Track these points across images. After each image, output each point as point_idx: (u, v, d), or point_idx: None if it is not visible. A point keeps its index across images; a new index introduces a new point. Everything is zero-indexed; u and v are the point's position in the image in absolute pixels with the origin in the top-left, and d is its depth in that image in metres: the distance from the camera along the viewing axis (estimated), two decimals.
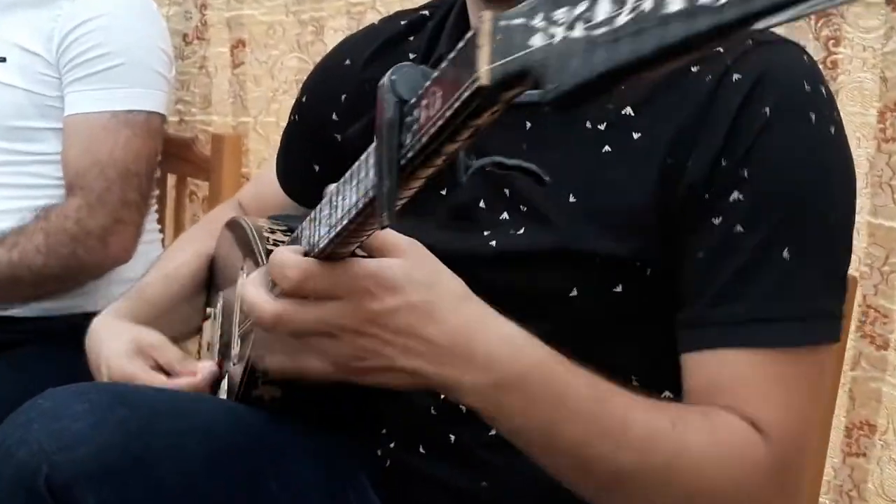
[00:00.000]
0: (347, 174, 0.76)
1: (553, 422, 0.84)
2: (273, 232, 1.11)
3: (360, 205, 0.73)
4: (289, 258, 0.81)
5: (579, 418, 0.84)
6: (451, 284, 0.82)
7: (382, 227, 0.67)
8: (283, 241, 1.05)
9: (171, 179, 2.13)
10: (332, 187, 0.80)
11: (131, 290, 1.29)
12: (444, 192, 1.04)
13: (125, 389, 1.03)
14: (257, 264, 1.04)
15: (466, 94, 0.56)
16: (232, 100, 2.21)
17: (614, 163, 0.97)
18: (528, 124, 0.97)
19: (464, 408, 0.89)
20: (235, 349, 1.10)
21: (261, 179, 1.43)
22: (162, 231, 2.07)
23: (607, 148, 0.97)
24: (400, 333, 0.81)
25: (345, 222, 0.75)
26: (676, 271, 0.95)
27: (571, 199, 0.98)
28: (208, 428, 1.00)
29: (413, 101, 0.64)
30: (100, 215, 1.79)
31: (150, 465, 0.94)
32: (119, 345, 1.17)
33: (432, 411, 1.06)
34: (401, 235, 0.81)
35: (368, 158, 0.72)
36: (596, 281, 0.94)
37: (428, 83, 0.63)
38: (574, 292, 0.97)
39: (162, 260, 1.34)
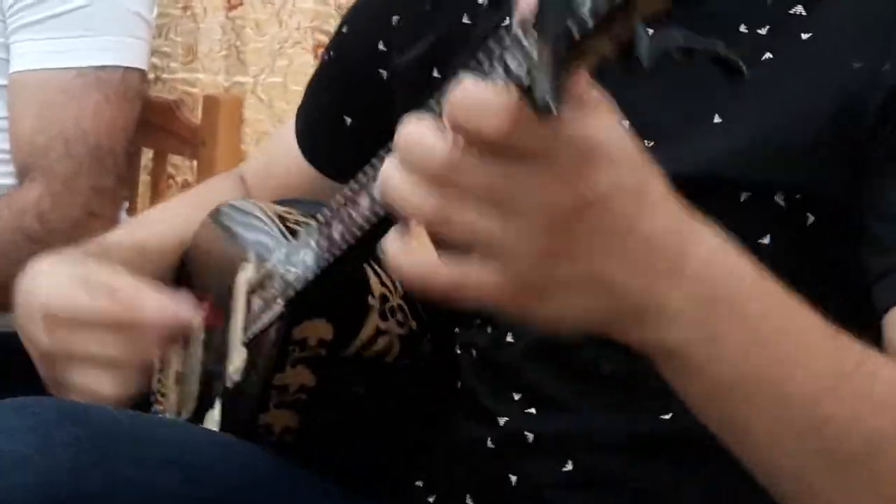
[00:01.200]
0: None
1: (786, 366, 0.79)
2: (290, 213, 1.07)
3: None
4: (492, 96, 0.69)
5: (820, 363, 0.79)
6: (655, 166, 0.75)
7: (546, 119, 0.63)
8: (306, 224, 1.01)
9: (146, 156, 2.01)
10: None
11: (88, 245, 1.23)
12: None
13: (78, 405, 1.00)
14: (271, 250, 1.02)
15: None
16: (225, 52, 2.18)
17: (776, 73, 0.96)
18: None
19: (530, 435, 0.95)
20: (235, 363, 1.05)
21: (272, 148, 1.42)
22: None
23: (768, 55, 0.96)
24: (608, 227, 0.72)
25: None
26: (853, 214, 0.93)
27: (716, 119, 0.96)
28: (189, 462, 0.99)
29: None
30: (68, 208, 1.70)
31: (109, 502, 0.93)
32: (62, 276, 1.11)
33: (489, 444, 1.02)
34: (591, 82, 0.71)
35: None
36: (736, 227, 0.86)
37: None
38: (767, 239, 0.95)
39: (131, 224, 1.34)
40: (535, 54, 0.64)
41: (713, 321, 0.76)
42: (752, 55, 0.96)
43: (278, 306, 0.97)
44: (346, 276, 0.98)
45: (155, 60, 2.15)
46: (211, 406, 1.10)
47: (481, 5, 1.06)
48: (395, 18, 1.16)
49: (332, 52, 1.25)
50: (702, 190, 0.89)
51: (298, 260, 0.96)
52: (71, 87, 1.70)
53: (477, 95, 0.70)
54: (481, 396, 1.03)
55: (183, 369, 1.18)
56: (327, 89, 1.26)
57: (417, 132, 0.72)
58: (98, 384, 1.06)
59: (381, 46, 1.17)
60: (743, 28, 0.98)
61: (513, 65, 0.67)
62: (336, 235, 0.91)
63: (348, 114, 1.22)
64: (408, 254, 0.74)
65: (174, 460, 1.00)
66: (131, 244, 1.25)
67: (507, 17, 0.68)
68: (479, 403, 1.04)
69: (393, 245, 0.74)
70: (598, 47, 0.63)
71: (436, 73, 1.06)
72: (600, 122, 0.72)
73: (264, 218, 1.09)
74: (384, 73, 1.16)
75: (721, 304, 0.77)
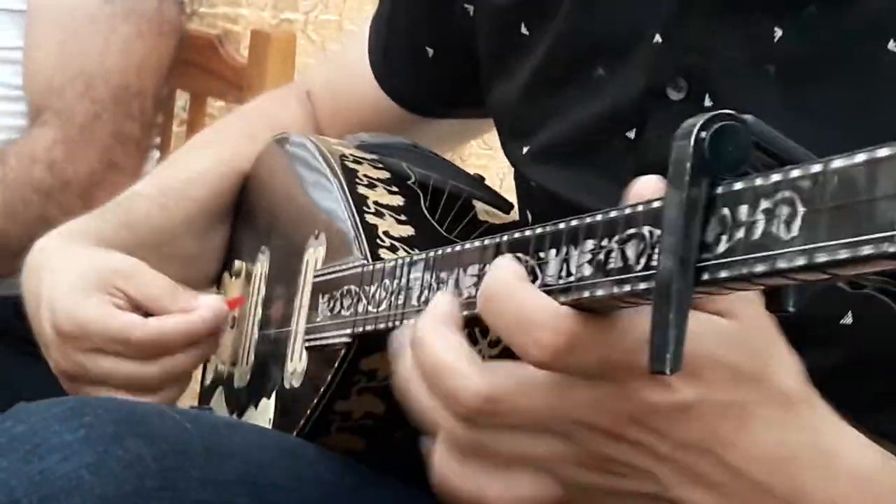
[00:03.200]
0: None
1: None
2: (373, 186, 1.03)
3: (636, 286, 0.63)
4: (543, 313, 0.67)
5: None
6: (785, 377, 0.70)
7: (657, 371, 0.60)
8: (388, 209, 1.01)
9: (182, 99, 1.93)
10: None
11: (105, 205, 1.21)
12: (632, 136, 0.97)
13: (136, 409, 0.94)
14: (344, 246, 0.99)
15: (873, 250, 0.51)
16: None
17: None
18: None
19: None
20: (295, 363, 1.03)
21: (342, 60, 1.36)
22: None
23: None
24: (688, 446, 0.69)
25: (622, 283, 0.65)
26: None
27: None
28: (260, 480, 0.95)
29: (734, 178, 0.59)
30: (84, 156, 1.65)
31: None
32: (71, 276, 1.08)
33: None
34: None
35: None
36: (881, 301, 0.75)
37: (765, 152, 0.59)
38: (849, 318, 0.89)
39: (164, 167, 1.28)
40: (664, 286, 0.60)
41: None
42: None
43: (345, 334, 0.94)
44: None
45: None
46: (266, 395, 1.09)
47: None
48: None
49: None
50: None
51: (376, 296, 0.91)
52: (97, 16, 1.64)
53: (524, 311, 0.68)
54: None
55: (242, 317, 1.17)
56: (406, 10, 1.20)
57: (444, 362, 0.71)
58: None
59: None
60: (892, 45, 0.90)
61: (631, 256, 0.63)
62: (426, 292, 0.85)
63: (431, 44, 1.17)
64: (455, 461, 0.73)
65: (244, 478, 0.95)
66: (156, 192, 1.21)
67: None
68: None
69: (441, 453, 0.73)
70: (724, 290, 0.61)
71: (524, 30, 1.00)
72: (709, 324, 0.69)
73: (339, 196, 1.05)
74: (470, 7, 1.10)
75: None
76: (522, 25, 1.01)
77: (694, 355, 0.67)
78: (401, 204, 1.00)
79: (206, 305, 1.08)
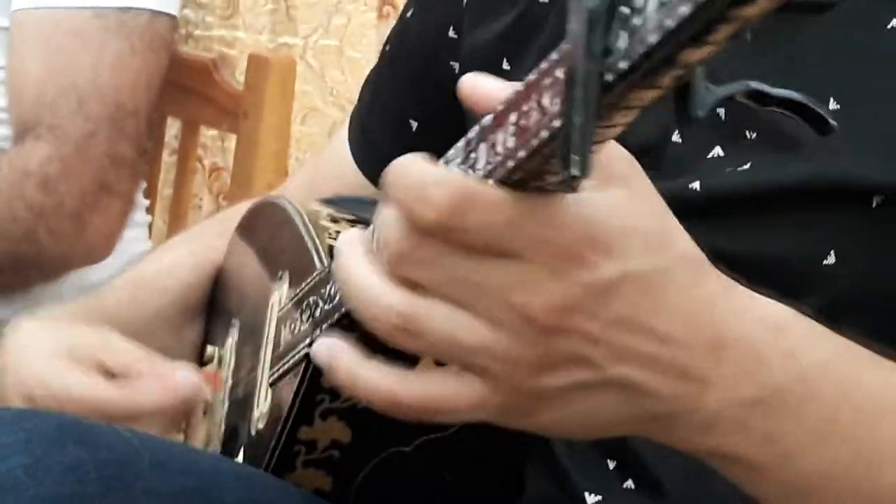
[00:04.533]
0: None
1: (872, 462, 0.76)
2: (336, 221, 1.06)
3: (536, 140, 0.66)
4: (431, 171, 0.70)
5: None
6: (684, 241, 0.73)
7: (569, 186, 0.65)
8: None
9: (174, 127, 1.93)
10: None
11: (82, 296, 1.23)
12: None
13: (84, 421, 0.96)
14: (306, 270, 1.00)
15: None
16: (272, 6, 2.15)
17: None
18: None
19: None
20: (261, 408, 1.05)
21: (322, 162, 1.37)
22: (150, 212, 1.89)
23: None
24: (617, 324, 0.70)
25: (519, 154, 0.68)
26: None
27: (832, 104, 0.91)
28: (211, 496, 0.95)
29: None
30: (78, 176, 1.62)
31: None
32: (44, 346, 1.09)
33: (588, 500, 0.97)
34: (616, 147, 0.71)
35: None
36: (867, 239, 0.88)
37: None
38: (830, 258, 0.90)
39: (141, 262, 1.29)
40: (571, 96, 0.62)
41: (763, 420, 0.75)
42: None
43: (304, 345, 0.94)
44: None
45: (187, 12, 2.11)
46: (235, 454, 1.10)
47: None
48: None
49: (393, 42, 1.21)
50: (822, 200, 0.90)
51: (332, 292, 0.92)
52: (86, 30, 1.62)
53: (413, 170, 0.71)
54: (562, 457, 0.99)
55: (213, 399, 1.18)
56: (388, 88, 1.21)
57: (345, 257, 0.74)
58: None
59: (451, 33, 1.12)
60: (893, 24, 0.93)
61: (546, 102, 0.66)
62: None
63: (414, 116, 1.18)
64: (365, 367, 0.74)
65: (194, 493, 0.96)
66: (126, 281, 1.23)
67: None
68: (560, 468, 0.99)
69: (344, 356, 0.75)
70: (635, 99, 0.63)
71: (506, 65, 1.01)
72: (609, 198, 0.71)
73: (301, 226, 1.07)
74: (456, 65, 1.11)
75: (773, 397, 0.76)
76: (505, 60, 1.03)
77: (605, 230, 0.69)
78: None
79: (175, 373, 1.07)
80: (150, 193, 1.88)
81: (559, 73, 0.65)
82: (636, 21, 0.59)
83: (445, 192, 0.69)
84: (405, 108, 1.19)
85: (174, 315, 1.23)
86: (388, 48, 1.23)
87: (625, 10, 0.59)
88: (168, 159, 1.96)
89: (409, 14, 1.19)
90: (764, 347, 0.75)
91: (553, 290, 0.70)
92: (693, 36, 0.57)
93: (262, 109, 1.72)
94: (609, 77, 0.60)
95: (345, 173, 1.25)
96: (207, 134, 2.02)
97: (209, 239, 1.26)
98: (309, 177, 1.35)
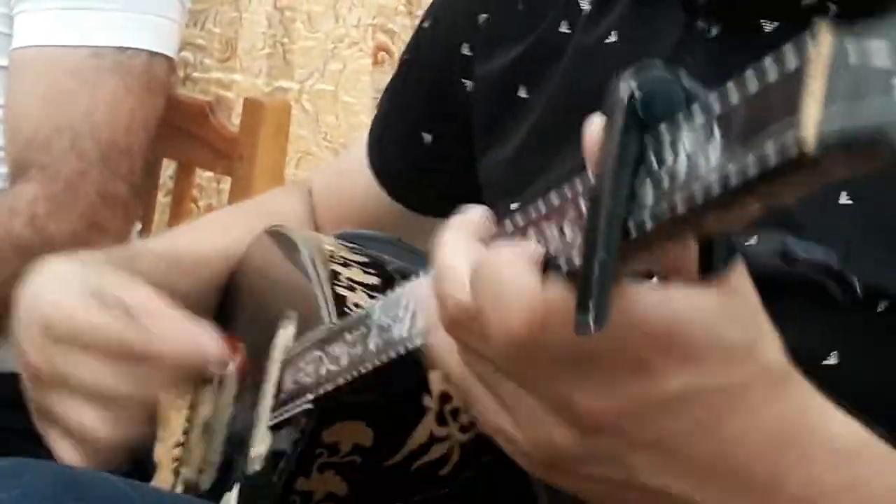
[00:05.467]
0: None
1: None
2: (347, 265, 1.05)
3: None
4: (517, 287, 0.65)
5: None
6: (769, 349, 0.68)
7: (580, 332, 0.61)
8: (361, 285, 1.03)
9: (169, 168, 1.93)
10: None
11: (108, 249, 1.23)
12: None
13: (82, 475, 0.96)
14: (314, 318, 0.99)
15: (774, 153, 0.52)
16: (269, 50, 2.17)
17: None
18: None
19: None
20: (258, 448, 1.03)
21: (345, 161, 1.39)
22: None
23: None
24: (668, 437, 0.68)
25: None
26: None
27: (844, 199, 0.88)
28: None
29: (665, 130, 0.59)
30: (67, 214, 1.61)
31: None
32: (71, 282, 1.07)
33: None
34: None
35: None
36: (871, 343, 0.85)
37: (697, 104, 0.57)
38: (833, 359, 0.87)
39: (181, 233, 1.31)
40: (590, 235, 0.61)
41: None
42: None
43: (306, 401, 0.94)
44: (393, 379, 0.93)
45: (186, 54, 2.12)
46: (229, 489, 1.08)
47: (583, 12, 0.99)
48: (482, 17, 1.10)
49: (410, 53, 1.21)
50: (827, 294, 0.87)
51: (337, 353, 0.92)
52: (83, 68, 1.61)
53: (502, 283, 0.67)
54: None
55: (213, 420, 1.16)
56: (403, 98, 1.22)
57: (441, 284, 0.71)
58: (87, 420, 1.01)
59: (465, 50, 1.11)
60: None
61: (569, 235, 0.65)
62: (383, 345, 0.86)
63: (427, 129, 1.18)
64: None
65: None
66: (165, 252, 1.22)
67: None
68: None
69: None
70: (656, 248, 0.61)
71: (522, 93, 1.01)
72: (697, 303, 0.66)
73: (311, 272, 1.06)
74: (468, 84, 1.11)
75: None
76: (521, 88, 1.02)
77: (687, 336, 0.66)
78: (375, 283, 1.01)
79: (214, 339, 1.06)
80: (145, 234, 1.86)
81: (583, 206, 0.63)
82: (664, 179, 0.57)
83: (527, 316, 0.67)
84: (418, 122, 1.20)
85: (198, 309, 1.22)
86: (404, 58, 1.24)
87: (652, 157, 0.58)
88: (163, 200, 1.96)
89: (425, 24, 1.20)
90: (823, 472, 0.73)
91: (607, 394, 0.68)
92: (721, 208, 0.55)
93: (257, 152, 1.74)
94: (632, 229, 0.59)
95: (361, 180, 1.26)
96: (203, 175, 2.02)
97: (245, 235, 1.25)
98: (335, 175, 1.36)
